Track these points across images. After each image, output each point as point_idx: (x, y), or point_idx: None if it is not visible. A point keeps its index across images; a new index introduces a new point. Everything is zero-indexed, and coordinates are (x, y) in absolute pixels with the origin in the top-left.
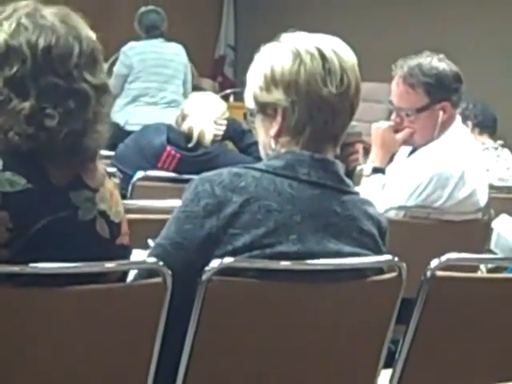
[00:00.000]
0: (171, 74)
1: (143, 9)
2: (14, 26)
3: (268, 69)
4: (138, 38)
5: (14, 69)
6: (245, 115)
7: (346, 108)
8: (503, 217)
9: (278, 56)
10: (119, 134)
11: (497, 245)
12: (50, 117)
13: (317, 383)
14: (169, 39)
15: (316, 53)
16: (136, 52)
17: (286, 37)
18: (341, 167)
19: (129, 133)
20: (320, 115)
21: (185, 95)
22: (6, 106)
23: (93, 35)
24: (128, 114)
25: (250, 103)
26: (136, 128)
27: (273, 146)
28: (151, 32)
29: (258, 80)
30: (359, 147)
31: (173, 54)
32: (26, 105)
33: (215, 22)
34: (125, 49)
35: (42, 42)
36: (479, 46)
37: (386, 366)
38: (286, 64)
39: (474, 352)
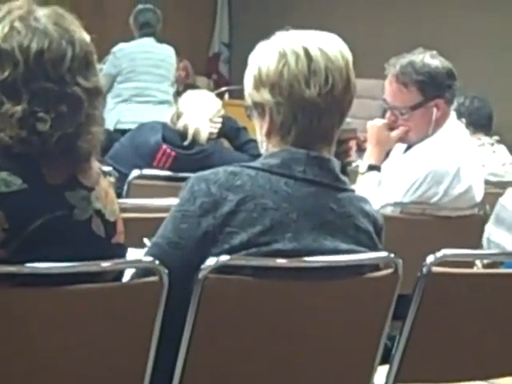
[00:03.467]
0: (162, 73)
1: (141, 6)
2: (6, 29)
3: (256, 69)
4: (132, 38)
5: (6, 73)
6: (246, 110)
7: (333, 108)
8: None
9: (265, 56)
10: (109, 137)
11: (497, 219)
12: (42, 121)
13: (314, 380)
14: (160, 40)
15: (302, 53)
16: (125, 53)
17: (276, 36)
18: (336, 164)
19: (121, 132)
20: (304, 116)
21: (173, 95)
22: None
23: (86, 37)
24: (120, 113)
25: (247, 100)
26: (128, 126)
27: (264, 145)
28: (145, 29)
29: (250, 79)
30: (353, 144)
31: (164, 55)
32: (18, 109)
33: (209, 20)
34: (114, 50)
35: (34, 46)
36: (475, 41)
37: (383, 362)
38: (272, 65)
39: (471, 347)
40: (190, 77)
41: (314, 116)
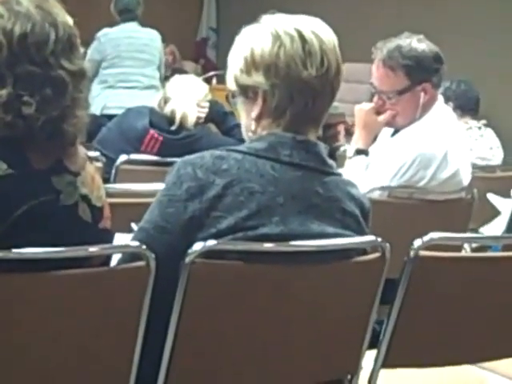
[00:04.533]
0: (147, 58)
1: None
2: None
3: (248, 51)
4: (116, 23)
5: None
6: (227, 97)
7: (327, 90)
8: None
9: (258, 38)
10: (96, 122)
11: None
12: (27, 104)
13: (302, 365)
14: (143, 24)
15: (296, 35)
16: (109, 38)
17: (266, 19)
18: (323, 148)
19: (108, 117)
20: (300, 98)
21: (160, 80)
22: None
23: (70, 20)
24: (106, 98)
25: (231, 85)
26: (115, 111)
27: (253, 128)
28: (124, 15)
29: (239, 63)
30: (341, 128)
31: (147, 39)
32: (3, 93)
33: (197, 5)
34: (99, 35)
35: (17, 30)
36: (462, 25)
37: (371, 347)
38: (266, 47)
39: (458, 331)
40: (177, 61)
41: (310, 98)
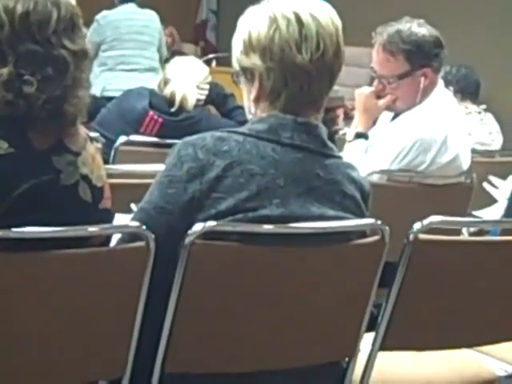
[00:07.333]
0: (146, 40)
1: None
2: None
3: (246, 34)
4: (115, 5)
5: None
6: (232, 76)
7: (323, 74)
8: None
9: (256, 21)
10: (96, 103)
11: None
12: (28, 83)
13: (300, 346)
14: (142, 6)
15: (293, 18)
16: (108, 20)
17: (266, 1)
18: (324, 131)
19: (107, 99)
20: (295, 82)
21: (160, 61)
22: None
23: (72, 0)
24: (105, 80)
25: (235, 66)
26: (114, 94)
27: (252, 110)
28: None
29: (239, 44)
30: (340, 112)
31: (147, 21)
32: (4, 71)
33: None
34: (98, 17)
35: (19, 8)
36: (462, 9)
37: (369, 330)
38: (262, 29)
39: (456, 315)
40: (176, 43)
41: (305, 82)
